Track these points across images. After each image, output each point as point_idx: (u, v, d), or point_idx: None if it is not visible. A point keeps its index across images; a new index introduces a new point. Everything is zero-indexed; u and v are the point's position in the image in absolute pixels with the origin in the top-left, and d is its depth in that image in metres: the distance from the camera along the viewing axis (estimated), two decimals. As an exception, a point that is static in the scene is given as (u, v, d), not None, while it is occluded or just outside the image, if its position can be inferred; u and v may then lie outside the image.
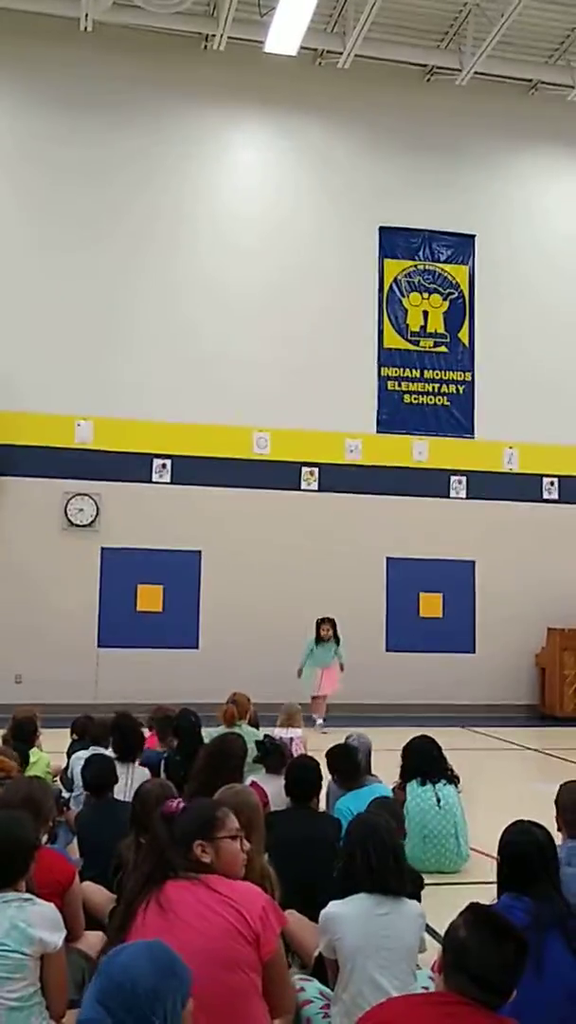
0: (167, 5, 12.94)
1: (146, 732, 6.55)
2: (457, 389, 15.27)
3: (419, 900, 3.73)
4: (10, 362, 13.46)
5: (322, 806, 5.44)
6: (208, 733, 6.35)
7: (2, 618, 13.13)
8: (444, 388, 15.23)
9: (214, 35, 13.90)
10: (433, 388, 15.19)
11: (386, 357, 15.05)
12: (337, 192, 15.05)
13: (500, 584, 14.78)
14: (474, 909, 2.54)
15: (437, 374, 15.21)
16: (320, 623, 12.49)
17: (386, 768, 6.35)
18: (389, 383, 15.04)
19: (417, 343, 15.21)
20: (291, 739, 7.45)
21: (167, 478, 14.07)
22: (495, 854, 3.47)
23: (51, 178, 13.98)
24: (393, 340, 15.13)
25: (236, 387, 14.18)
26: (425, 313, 15.30)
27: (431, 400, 15.16)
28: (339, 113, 15.00)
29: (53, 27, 13.80)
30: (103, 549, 13.75)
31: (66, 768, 6.61)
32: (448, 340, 15.33)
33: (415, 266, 15.35)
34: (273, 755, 5.74)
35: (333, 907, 3.39)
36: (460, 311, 15.43)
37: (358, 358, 14.84)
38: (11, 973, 2.97)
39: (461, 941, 2.45)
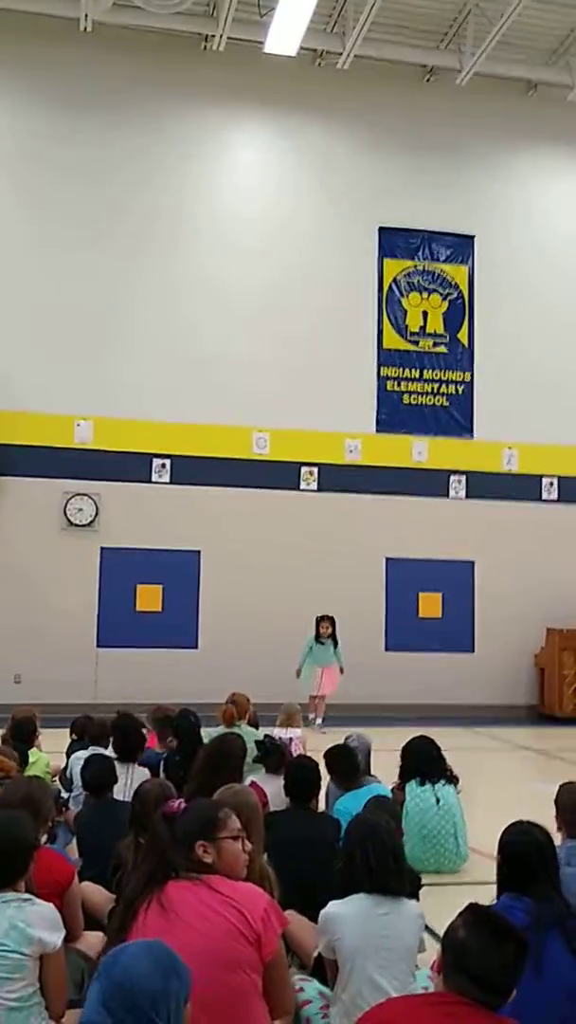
0: (167, 5, 12.93)
1: (146, 732, 6.55)
2: (456, 389, 15.28)
3: (417, 899, 3.73)
4: (9, 362, 13.46)
5: (321, 806, 5.44)
6: (207, 733, 6.35)
7: (1, 618, 13.12)
8: (443, 388, 15.23)
9: (214, 35, 13.90)
10: (432, 388, 15.19)
11: (385, 357, 15.05)
12: (337, 192, 15.05)
13: (499, 584, 14.78)
14: (474, 909, 2.54)
15: (436, 374, 15.21)
16: (320, 620, 12.49)
17: (385, 768, 6.35)
18: (388, 383, 15.03)
19: (416, 343, 15.21)
20: (290, 739, 7.45)
21: (166, 478, 14.07)
22: (495, 854, 3.47)
23: (51, 178, 13.98)
24: (392, 340, 15.13)
25: (236, 387, 14.18)
26: (424, 313, 15.30)
27: (430, 400, 15.16)
28: (339, 113, 15.00)
29: (53, 27, 13.80)
30: (102, 549, 13.75)
31: (65, 768, 6.62)
32: (447, 340, 15.33)
33: (415, 266, 15.35)
34: (273, 755, 5.74)
35: (332, 907, 3.39)
36: (459, 311, 15.43)
37: (357, 358, 14.84)
38: (10, 973, 2.97)
39: (461, 941, 2.45)
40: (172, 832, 3.06)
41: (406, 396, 15.07)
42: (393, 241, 15.24)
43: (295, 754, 6.35)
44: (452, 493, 15.00)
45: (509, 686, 14.62)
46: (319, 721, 12.06)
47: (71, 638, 13.31)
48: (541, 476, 15.31)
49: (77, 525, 13.70)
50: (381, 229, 15.15)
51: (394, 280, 15.24)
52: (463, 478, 15.04)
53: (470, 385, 15.30)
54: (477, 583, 14.92)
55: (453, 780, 6.19)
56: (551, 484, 15.34)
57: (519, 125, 15.63)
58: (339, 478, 14.52)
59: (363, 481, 14.53)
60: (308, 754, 6.23)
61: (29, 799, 3.73)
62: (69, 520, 13.69)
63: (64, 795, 6.25)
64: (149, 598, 13.82)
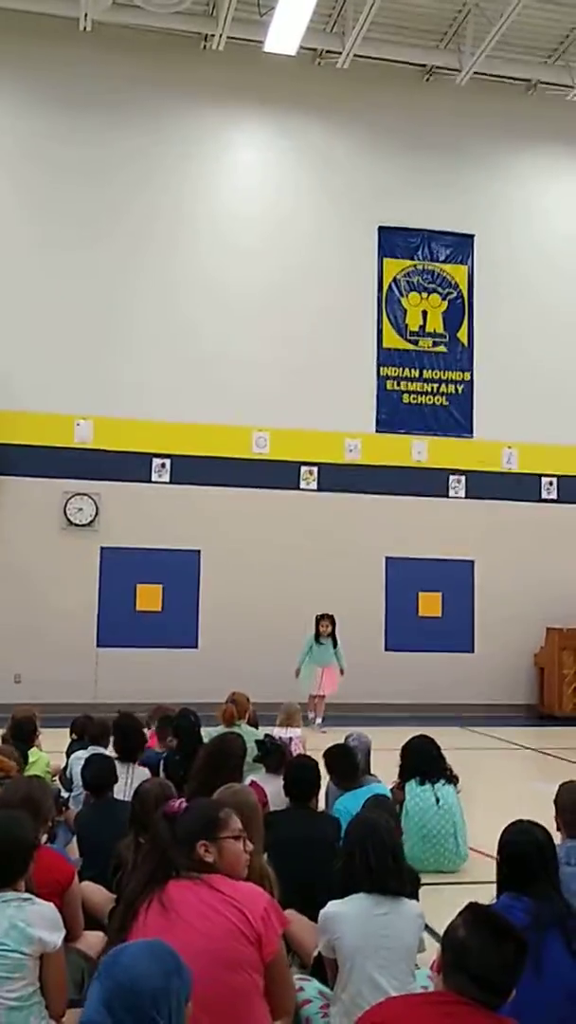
0: (166, 5, 12.94)
1: (147, 732, 6.55)
2: (456, 389, 15.28)
3: (417, 899, 3.73)
4: (9, 361, 13.46)
5: (321, 805, 5.44)
6: (207, 733, 6.35)
7: (1, 618, 13.12)
8: (443, 388, 15.23)
9: (213, 35, 13.90)
10: (432, 388, 15.19)
11: (385, 357, 15.05)
12: (336, 192, 15.05)
13: (499, 584, 14.79)
14: (473, 909, 2.54)
15: (436, 374, 15.21)
16: (319, 619, 12.49)
17: (385, 768, 6.35)
18: (388, 383, 15.04)
19: (416, 343, 15.22)
20: (290, 739, 7.45)
21: (166, 478, 14.07)
22: (494, 854, 3.47)
23: (51, 177, 13.98)
24: (392, 340, 15.13)
25: (235, 387, 14.19)
26: (424, 313, 15.31)
27: (430, 400, 15.16)
28: (338, 113, 15.00)
29: (52, 27, 13.80)
30: (102, 549, 13.75)
31: (65, 768, 6.62)
32: (447, 340, 15.33)
33: (414, 266, 15.35)
34: (273, 755, 5.74)
35: (332, 907, 3.40)
36: (459, 311, 15.44)
37: (357, 358, 14.84)
38: (10, 973, 2.97)
39: (460, 941, 2.45)
40: (173, 831, 3.06)
41: (406, 396, 15.08)
42: (393, 241, 15.24)
43: (295, 754, 6.35)
44: (452, 493, 15.00)
45: (509, 686, 14.63)
46: (319, 721, 12.06)
47: (71, 638, 13.31)
48: (541, 476, 15.31)
49: (77, 525, 13.70)
50: (381, 229, 15.15)
51: (394, 280, 15.24)
52: (463, 478, 15.04)
53: (470, 385, 15.30)
54: (477, 583, 14.92)
55: (453, 780, 6.19)
56: (551, 484, 15.35)
57: (519, 125, 15.63)
58: (339, 478, 14.52)
59: (363, 481, 14.53)
60: (308, 753, 6.23)
61: (29, 799, 3.73)
62: (69, 520, 13.69)
63: (64, 795, 6.25)
64: (149, 598, 13.82)
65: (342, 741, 6.24)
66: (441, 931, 2.59)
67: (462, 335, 15.39)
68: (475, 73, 14.62)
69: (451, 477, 15.02)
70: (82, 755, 5.91)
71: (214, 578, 13.97)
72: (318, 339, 14.57)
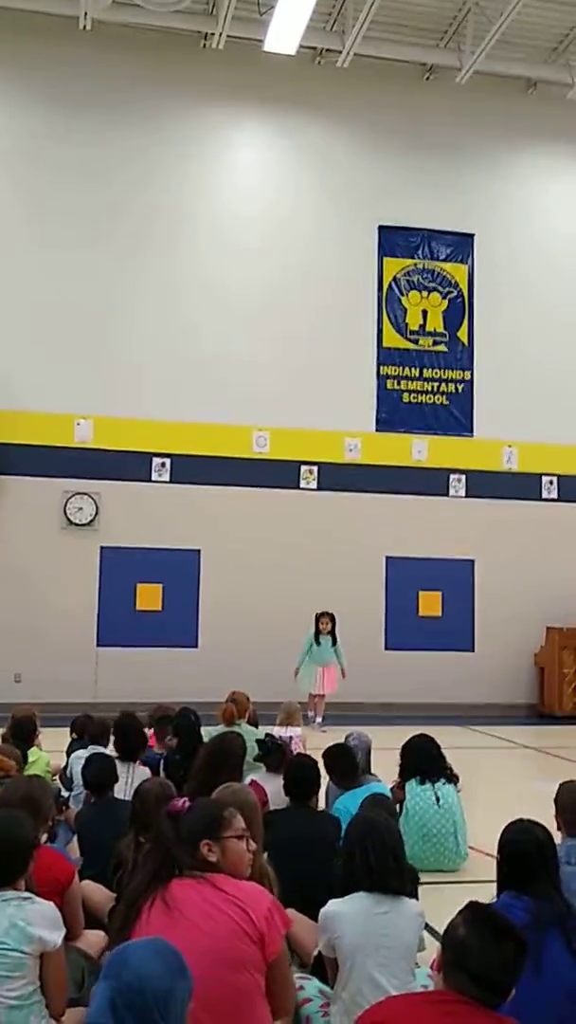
0: (166, 4, 12.93)
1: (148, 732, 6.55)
2: (456, 388, 15.28)
3: (417, 898, 3.73)
4: (9, 361, 13.46)
5: (321, 804, 5.44)
6: (208, 732, 6.35)
7: (1, 617, 13.12)
8: (443, 387, 15.23)
9: (213, 34, 13.89)
10: (432, 387, 15.19)
11: (385, 356, 15.05)
12: (336, 191, 15.04)
13: (499, 583, 14.78)
14: (473, 908, 2.54)
15: (436, 373, 15.21)
16: (319, 617, 12.47)
17: (385, 767, 6.35)
18: (388, 382, 15.03)
19: (416, 342, 15.21)
20: (290, 738, 7.45)
21: (166, 477, 14.07)
22: (494, 853, 3.47)
23: (50, 177, 13.97)
24: (392, 339, 15.13)
25: (235, 386, 14.18)
26: (424, 312, 15.30)
27: (430, 399, 15.16)
28: (338, 112, 14.99)
29: (52, 25, 13.79)
30: (102, 548, 13.75)
31: (65, 767, 6.62)
32: (447, 339, 15.33)
33: (414, 265, 15.34)
34: (274, 754, 5.74)
35: (332, 906, 3.40)
36: (459, 310, 15.43)
37: (357, 357, 14.84)
38: (10, 972, 2.97)
39: (460, 940, 2.45)
40: (177, 830, 3.06)
41: (406, 395, 15.07)
42: (393, 240, 15.24)
43: (295, 753, 6.35)
44: (452, 492, 15.00)
45: (509, 685, 14.63)
46: (319, 720, 12.06)
47: (71, 637, 13.31)
48: (541, 475, 15.31)
49: (77, 524, 13.70)
50: (381, 228, 15.14)
51: (394, 279, 15.24)
52: (463, 477, 15.04)
53: (470, 384, 15.30)
54: (477, 582, 14.92)
55: (453, 779, 6.20)
56: (551, 483, 15.35)
57: (519, 123, 15.63)
58: (339, 477, 14.52)
59: (363, 480, 14.53)
60: (308, 753, 6.23)
61: (29, 798, 3.74)
62: (69, 519, 13.69)
63: (64, 794, 6.25)
64: (149, 597, 13.82)
65: (342, 740, 6.24)
66: (441, 930, 2.59)
67: (462, 334, 15.39)
68: (475, 72, 14.61)
69: (451, 476, 15.02)
70: (82, 754, 5.91)
71: (214, 577, 13.97)
72: (318, 338, 14.57)
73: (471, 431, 15.22)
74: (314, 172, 15.08)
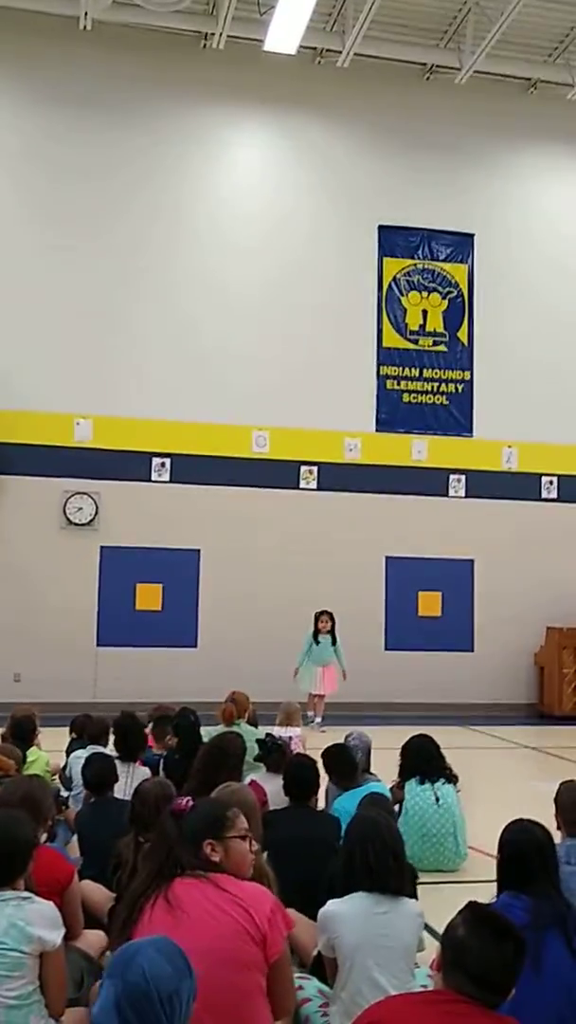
0: (166, 4, 12.93)
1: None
2: (456, 388, 15.27)
3: (416, 894, 3.73)
4: (9, 360, 13.45)
5: (321, 804, 5.44)
6: (207, 732, 6.35)
7: (1, 617, 13.12)
8: (443, 387, 15.23)
9: (213, 34, 13.89)
10: (432, 387, 15.19)
11: (385, 356, 15.05)
12: (336, 190, 15.04)
13: (499, 583, 14.79)
14: (473, 908, 2.54)
15: (436, 373, 15.21)
16: (319, 616, 12.47)
17: (385, 767, 6.35)
18: (388, 382, 15.03)
19: (416, 342, 15.21)
20: (290, 738, 7.45)
21: (166, 477, 14.07)
22: (494, 852, 3.47)
23: (50, 176, 13.97)
24: (392, 339, 15.12)
25: (235, 386, 14.18)
26: (424, 312, 15.30)
27: (430, 399, 15.16)
28: (338, 112, 14.99)
29: (52, 25, 13.79)
30: (102, 548, 13.74)
31: (65, 767, 6.61)
32: (447, 339, 15.33)
33: (414, 265, 15.34)
34: (274, 754, 5.74)
35: (332, 905, 3.40)
36: (459, 310, 15.43)
37: (357, 357, 14.84)
38: (10, 971, 2.97)
39: (460, 940, 2.45)
40: (180, 829, 3.06)
41: (406, 395, 15.07)
42: (393, 240, 15.24)
43: (294, 753, 6.34)
44: (452, 492, 15.00)
45: (509, 685, 14.63)
46: (318, 720, 12.05)
47: (71, 637, 13.31)
48: (540, 475, 15.31)
49: (77, 524, 13.70)
50: (381, 227, 15.14)
51: (394, 279, 15.24)
52: (463, 477, 15.04)
53: (470, 384, 15.29)
54: (477, 582, 14.92)
55: (453, 779, 6.20)
56: (550, 483, 15.35)
57: (519, 123, 15.62)
58: (339, 477, 14.52)
59: (363, 480, 14.53)
60: (307, 753, 6.23)
61: (29, 798, 3.73)
62: (69, 519, 13.69)
63: (63, 794, 6.25)
64: (149, 597, 13.82)
65: (341, 740, 6.24)
66: (441, 930, 2.59)
67: (462, 334, 15.38)
68: (475, 72, 14.62)
69: (451, 476, 15.02)
70: (81, 754, 5.90)
71: (214, 577, 13.97)
72: (318, 338, 14.57)
73: (471, 431, 15.22)
74: (314, 172, 15.08)
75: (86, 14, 13.35)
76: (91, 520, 13.74)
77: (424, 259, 15.37)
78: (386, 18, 13.96)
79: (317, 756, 5.49)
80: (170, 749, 6.52)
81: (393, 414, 14.97)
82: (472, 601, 14.90)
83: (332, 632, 12.43)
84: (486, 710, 14.03)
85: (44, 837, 3.79)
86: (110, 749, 5.93)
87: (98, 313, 13.90)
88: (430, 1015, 2.40)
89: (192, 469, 14.03)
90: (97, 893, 4.24)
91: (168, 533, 13.85)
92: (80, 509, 13.73)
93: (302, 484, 14.51)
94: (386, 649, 14.38)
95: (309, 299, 14.62)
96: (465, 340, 15.36)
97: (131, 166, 14.29)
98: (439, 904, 3.91)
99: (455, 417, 15.20)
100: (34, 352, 13.61)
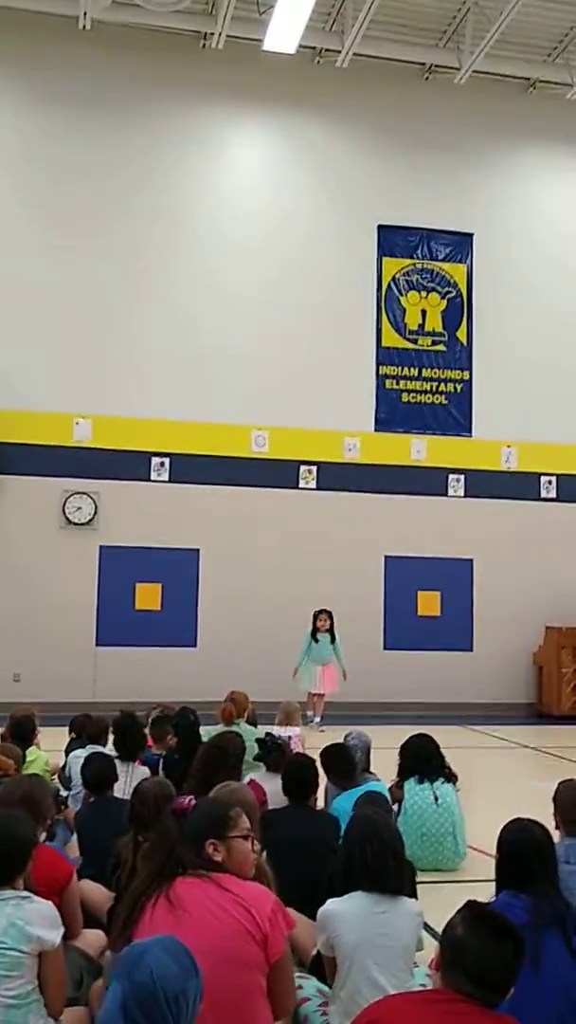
0: (166, 4, 12.93)
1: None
2: (455, 388, 15.28)
3: (415, 894, 3.73)
4: (8, 360, 13.45)
5: (321, 803, 5.44)
6: (207, 731, 6.35)
7: (0, 616, 13.12)
8: (442, 387, 15.23)
9: (213, 33, 13.89)
10: (431, 387, 15.19)
11: (384, 356, 15.05)
12: (336, 190, 15.05)
13: (498, 582, 14.79)
14: (472, 907, 2.55)
15: (435, 373, 15.21)
16: (317, 615, 12.46)
17: (385, 766, 6.35)
18: (387, 382, 15.03)
19: (415, 342, 15.21)
20: (289, 737, 7.45)
21: (165, 476, 14.07)
22: (493, 852, 3.47)
23: (50, 176, 13.97)
24: (391, 339, 15.13)
25: (235, 385, 14.19)
26: (423, 312, 15.30)
27: (429, 399, 15.16)
28: (338, 111, 14.99)
29: (52, 25, 13.78)
30: (101, 547, 13.75)
31: (64, 766, 6.61)
32: (446, 339, 15.33)
33: (413, 264, 15.34)
34: (274, 753, 5.74)
35: (331, 905, 3.40)
36: (458, 310, 15.43)
37: (356, 356, 14.84)
38: (9, 971, 2.98)
39: (459, 939, 2.45)
40: (182, 828, 3.06)
41: (405, 394, 15.07)
42: (392, 239, 15.24)
43: (293, 752, 6.34)
44: (451, 491, 15.00)
45: (508, 684, 14.63)
46: (317, 719, 12.05)
47: (70, 636, 13.31)
48: (540, 474, 15.31)
49: (76, 524, 13.70)
50: (380, 227, 15.14)
51: (393, 278, 15.24)
52: (462, 476, 15.04)
53: (469, 383, 15.30)
54: (476, 581, 14.92)
55: (452, 778, 6.20)
56: (550, 482, 15.35)
57: (518, 123, 15.62)
58: (338, 476, 14.52)
59: (362, 479, 14.53)
60: (307, 752, 6.23)
61: (28, 797, 3.73)
62: (68, 519, 13.69)
63: (63, 793, 6.25)
64: (148, 596, 13.82)
65: (341, 740, 6.24)
66: (440, 929, 2.59)
67: (461, 334, 15.39)
68: (475, 71, 14.62)
69: (450, 476, 15.02)
70: (81, 754, 5.90)
71: (213, 577, 13.97)
72: (317, 338, 14.57)
73: (470, 431, 15.22)
74: (313, 171, 15.08)
75: (85, 14, 13.35)
76: (90, 520, 13.74)
77: (423, 259, 15.37)
78: (385, 18, 13.96)
79: (316, 755, 5.49)
80: (169, 749, 6.53)
81: (392, 414, 14.97)
82: (471, 601, 14.90)
83: (331, 631, 12.42)
84: (485, 709, 14.04)
85: (43, 836, 3.80)
86: (109, 749, 5.93)
87: (98, 313, 13.90)
88: (429, 1014, 2.40)
89: (191, 469, 14.04)
90: (96, 892, 4.24)
91: (167, 533, 13.85)
92: (79, 509, 13.73)
93: (301, 484, 14.51)
94: (385, 649, 14.38)
95: (308, 299, 14.62)
96: (464, 340, 15.37)
97: (131, 166, 14.29)
98: (438, 903, 3.92)
99: (454, 417, 15.20)
100: (33, 351, 13.60)
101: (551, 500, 15.33)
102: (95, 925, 4.00)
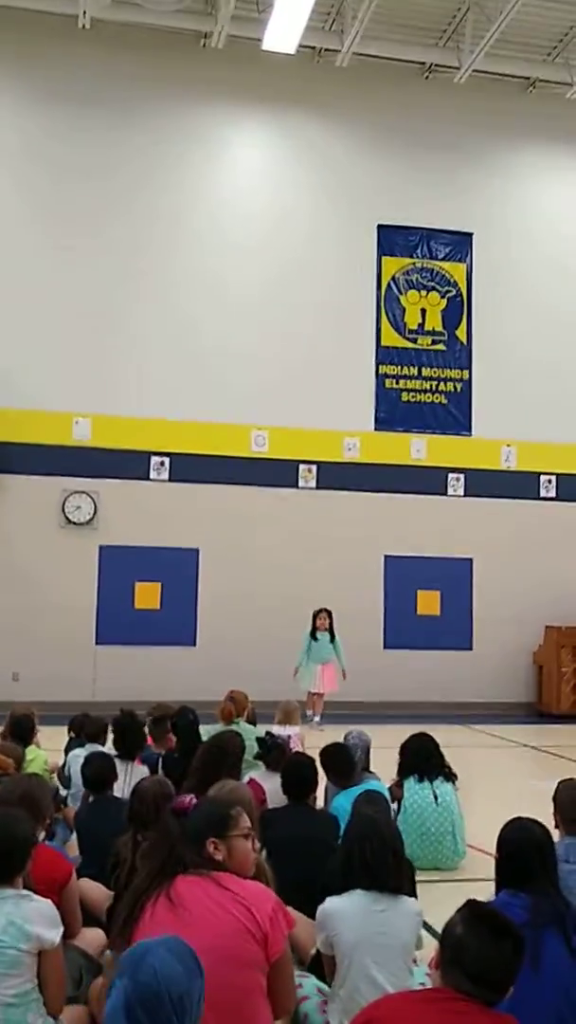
0: (165, 2, 12.92)
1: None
2: (455, 387, 15.28)
3: (415, 892, 3.73)
4: (8, 359, 13.44)
5: (320, 803, 5.44)
6: (206, 731, 6.34)
7: (0, 615, 13.12)
8: (442, 386, 15.23)
9: (212, 32, 13.89)
10: (431, 386, 15.19)
11: (384, 355, 15.05)
12: (335, 190, 15.04)
13: (498, 582, 14.79)
14: (471, 906, 2.55)
15: (435, 372, 15.21)
16: (317, 614, 12.45)
17: (385, 765, 6.35)
18: (387, 381, 15.03)
19: (415, 341, 15.21)
20: (288, 736, 7.44)
21: (165, 475, 14.07)
22: (493, 851, 3.47)
23: (50, 175, 13.97)
24: (391, 338, 15.13)
25: (234, 385, 14.18)
26: (423, 311, 15.30)
27: (429, 398, 15.16)
28: (338, 111, 14.99)
29: (51, 24, 13.78)
30: (101, 547, 13.75)
31: (63, 765, 6.61)
32: (446, 338, 15.33)
33: (413, 264, 15.34)
34: (274, 752, 5.74)
35: (331, 903, 3.40)
36: (458, 309, 15.43)
37: (356, 356, 14.84)
38: (8, 969, 2.98)
39: (458, 938, 2.45)
40: (183, 827, 3.05)
41: (404, 394, 15.07)
42: (392, 239, 15.24)
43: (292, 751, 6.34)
44: (450, 491, 15.01)
45: (508, 683, 14.63)
46: (317, 719, 12.05)
47: (70, 635, 13.31)
48: (539, 474, 15.32)
49: (76, 523, 13.70)
50: (380, 226, 15.14)
51: (392, 278, 15.23)
52: (461, 476, 15.04)
53: (468, 383, 15.30)
54: (475, 581, 14.92)
55: (451, 777, 6.20)
56: (549, 482, 15.35)
57: (518, 123, 15.62)
58: (338, 476, 14.52)
59: (361, 479, 14.53)
60: (306, 751, 6.23)
61: (28, 796, 3.74)
62: (68, 518, 13.69)
63: (62, 792, 6.25)
64: (148, 596, 13.82)
65: (340, 739, 6.24)
66: (439, 928, 2.59)
67: (461, 333, 15.39)
68: (474, 71, 14.62)
69: (450, 475, 15.02)
70: (80, 753, 5.91)
71: (213, 576, 13.97)
72: (317, 337, 14.57)
73: (470, 430, 15.22)
74: (313, 171, 15.08)
75: (85, 13, 13.34)
76: (90, 519, 13.74)
77: (423, 258, 15.37)
78: (385, 17, 13.95)
79: (316, 755, 5.48)
80: (169, 748, 6.52)
81: (392, 413, 14.97)
82: (471, 600, 14.90)
83: (330, 630, 12.42)
84: (485, 709, 14.04)
85: (43, 835, 3.80)
86: (108, 748, 5.93)
87: (98, 311, 13.90)
88: (428, 1013, 2.40)
89: (191, 468, 14.04)
90: (96, 891, 4.24)
91: (167, 532, 13.85)
92: (79, 508, 13.73)
93: (301, 483, 14.51)
94: (385, 648, 14.39)
95: (308, 298, 14.62)
96: (464, 339, 15.37)
97: (131, 165, 14.29)
98: (438, 902, 3.91)
99: (454, 416, 15.20)
100: (33, 350, 13.60)
101: (551, 499, 15.33)
102: (94, 924, 4.00)
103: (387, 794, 5.57)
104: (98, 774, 5.09)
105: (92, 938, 3.85)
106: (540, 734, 12.58)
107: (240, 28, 13.72)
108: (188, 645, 13.79)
